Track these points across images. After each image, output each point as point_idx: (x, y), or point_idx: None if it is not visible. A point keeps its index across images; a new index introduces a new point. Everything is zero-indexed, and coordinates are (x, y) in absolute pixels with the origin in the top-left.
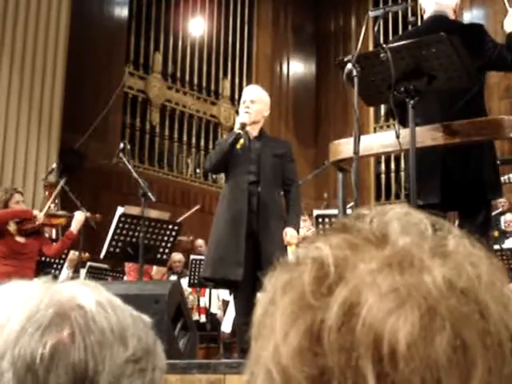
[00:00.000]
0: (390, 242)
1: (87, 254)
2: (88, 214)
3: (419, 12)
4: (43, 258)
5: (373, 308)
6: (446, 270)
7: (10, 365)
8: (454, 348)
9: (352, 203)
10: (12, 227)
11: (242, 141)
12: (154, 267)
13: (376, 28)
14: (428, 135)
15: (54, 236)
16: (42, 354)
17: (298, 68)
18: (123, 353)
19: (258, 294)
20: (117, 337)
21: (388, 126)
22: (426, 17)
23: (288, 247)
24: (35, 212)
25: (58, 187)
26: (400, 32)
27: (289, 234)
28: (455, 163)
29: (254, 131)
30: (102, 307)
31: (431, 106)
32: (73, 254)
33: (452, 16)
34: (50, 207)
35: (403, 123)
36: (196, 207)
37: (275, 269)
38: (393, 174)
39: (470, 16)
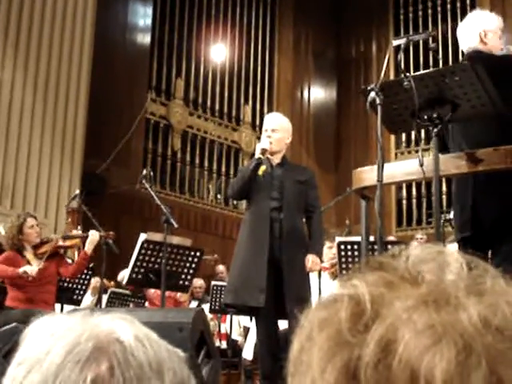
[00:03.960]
0: (425, 281)
1: (112, 283)
2: (101, 233)
3: (440, 39)
4: (65, 284)
5: (409, 345)
6: (482, 308)
7: None
8: None
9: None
10: (28, 253)
11: (263, 167)
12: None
13: (399, 57)
14: (452, 163)
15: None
16: None
17: (318, 94)
18: None
19: (279, 321)
20: (154, 371)
21: (409, 152)
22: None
23: (310, 274)
24: (21, 270)
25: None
26: (421, 58)
27: (311, 260)
28: (482, 197)
29: (276, 158)
30: (140, 341)
31: (475, 130)
32: (96, 282)
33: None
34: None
35: (444, 150)
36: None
37: (311, 305)
38: (414, 200)
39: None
